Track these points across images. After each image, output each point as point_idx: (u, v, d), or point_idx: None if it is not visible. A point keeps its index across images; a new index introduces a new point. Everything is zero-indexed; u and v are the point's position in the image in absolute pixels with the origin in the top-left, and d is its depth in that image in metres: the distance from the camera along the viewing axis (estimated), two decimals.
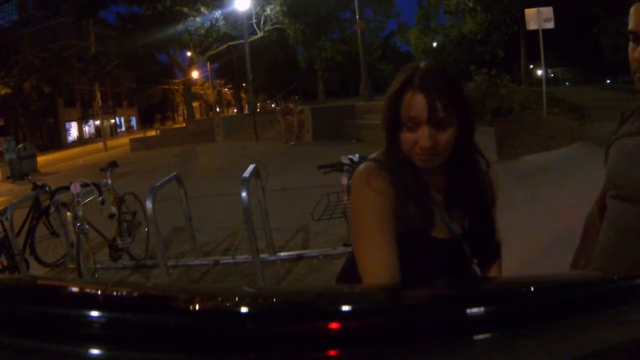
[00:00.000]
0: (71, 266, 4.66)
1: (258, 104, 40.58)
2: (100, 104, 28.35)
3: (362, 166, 1.13)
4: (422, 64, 1.05)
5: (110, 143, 25.54)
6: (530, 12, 11.05)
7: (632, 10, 1.05)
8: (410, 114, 1.01)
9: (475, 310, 0.44)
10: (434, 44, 33.65)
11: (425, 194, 1.09)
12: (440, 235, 1.09)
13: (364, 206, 1.07)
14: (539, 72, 26.44)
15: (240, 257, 4.41)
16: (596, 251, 1.25)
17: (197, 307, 0.48)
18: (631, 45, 1.07)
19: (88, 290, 0.56)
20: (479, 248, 1.14)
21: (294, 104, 16.05)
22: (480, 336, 0.41)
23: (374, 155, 1.15)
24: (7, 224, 4.24)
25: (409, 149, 1.04)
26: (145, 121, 49.74)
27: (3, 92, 31.12)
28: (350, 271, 1.12)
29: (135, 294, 0.55)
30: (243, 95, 43.54)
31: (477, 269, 1.20)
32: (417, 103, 1.00)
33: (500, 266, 1.26)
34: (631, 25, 1.06)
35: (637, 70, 1.06)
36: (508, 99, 10.28)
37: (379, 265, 1.01)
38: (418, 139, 1.01)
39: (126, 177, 9.83)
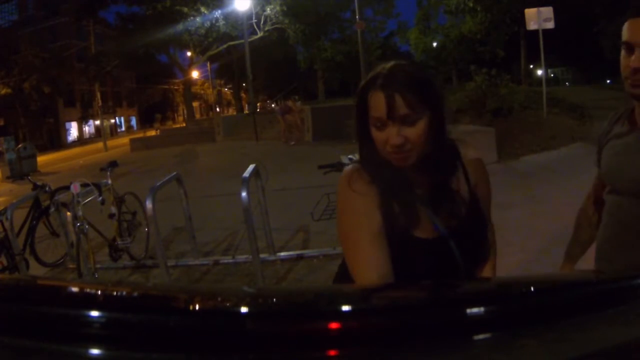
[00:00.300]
0: (71, 266, 4.66)
1: (258, 104, 40.60)
2: (100, 104, 28.35)
3: (345, 169, 1.14)
4: (389, 64, 1.05)
5: (110, 143, 25.54)
6: (530, 12, 11.05)
7: (626, 24, 1.18)
8: (374, 114, 1.02)
9: (475, 310, 0.44)
10: (434, 44, 33.62)
11: (407, 193, 1.07)
12: (425, 235, 1.06)
13: (347, 209, 1.08)
14: (539, 72, 26.44)
15: (240, 257, 4.41)
16: (599, 241, 1.38)
17: (197, 307, 0.48)
18: (623, 53, 1.19)
19: (88, 290, 0.56)
20: (470, 247, 1.11)
21: (292, 102, 15.83)
22: (480, 336, 0.41)
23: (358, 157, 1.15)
24: (7, 224, 4.24)
25: (382, 148, 1.03)
26: (145, 121, 49.70)
27: (3, 92, 31.09)
28: (345, 274, 1.11)
29: (135, 294, 0.55)
30: (243, 95, 43.52)
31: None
32: (378, 102, 1.00)
33: (494, 265, 1.23)
34: (625, 37, 1.18)
35: (628, 77, 1.18)
36: (508, 99, 10.28)
37: (367, 268, 1.01)
38: (387, 137, 1.01)
39: (126, 177, 9.83)
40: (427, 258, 1.05)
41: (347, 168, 1.13)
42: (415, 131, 1.00)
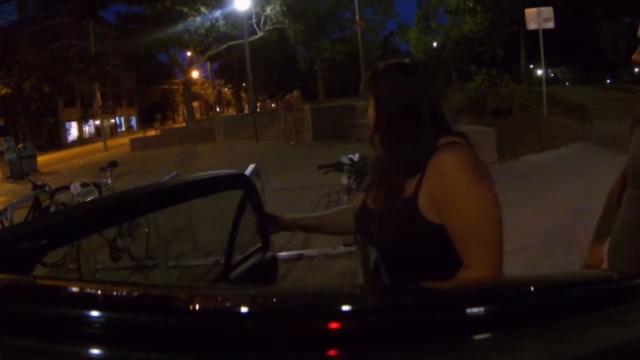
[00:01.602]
0: (71, 266, 4.66)
1: (258, 104, 40.54)
2: (100, 103, 28.33)
3: None
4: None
5: (110, 143, 25.52)
6: (530, 12, 11.05)
7: None
8: None
9: (475, 310, 0.44)
10: (434, 44, 33.61)
11: (378, 168, 1.28)
12: (371, 205, 1.25)
13: None
14: (539, 72, 26.44)
15: (241, 257, 4.41)
16: (617, 225, 1.45)
17: (197, 307, 0.48)
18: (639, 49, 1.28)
19: (88, 290, 0.56)
20: (388, 235, 1.18)
21: (290, 96, 15.11)
22: (480, 336, 0.41)
23: None
24: (7, 224, 4.24)
25: None
26: (145, 121, 49.66)
27: (3, 92, 31.08)
28: None
29: (135, 294, 0.55)
30: (243, 95, 43.52)
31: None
32: None
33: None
34: None
35: None
36: (508, 99, 10.28)
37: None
38: None
39: (126, 177, 9.83)
40: (363, 220, 1.26)
41: None
42: (369, 109, 1.27)
